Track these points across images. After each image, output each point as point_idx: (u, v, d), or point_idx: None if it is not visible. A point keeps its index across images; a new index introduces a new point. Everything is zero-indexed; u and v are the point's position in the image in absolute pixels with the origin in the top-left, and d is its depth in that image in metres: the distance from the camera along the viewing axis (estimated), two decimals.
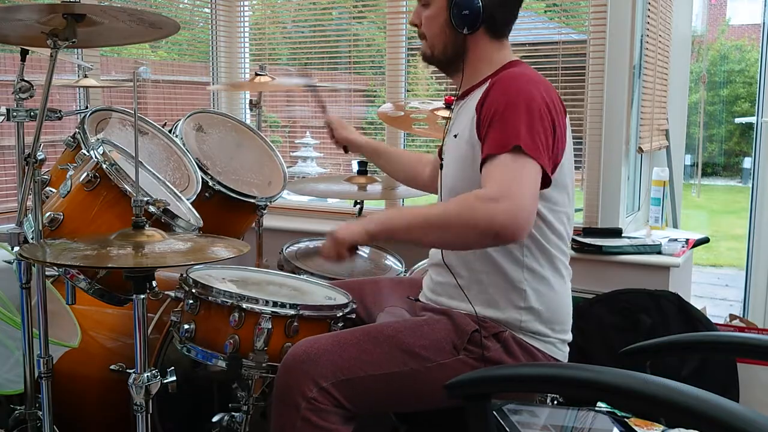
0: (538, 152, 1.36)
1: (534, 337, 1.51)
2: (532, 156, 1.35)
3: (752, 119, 3.29)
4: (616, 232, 2.59)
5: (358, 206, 2.54)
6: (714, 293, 5.52)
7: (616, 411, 1.39)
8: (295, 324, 1.57)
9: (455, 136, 1.56)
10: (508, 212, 1.27)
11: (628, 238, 2.57)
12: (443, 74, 1.72)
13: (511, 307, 1.49)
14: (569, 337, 1.57)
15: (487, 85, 1.50)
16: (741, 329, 2.52)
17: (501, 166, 1.34)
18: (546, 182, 1.40)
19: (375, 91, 3.48)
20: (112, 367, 1.52)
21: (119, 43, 1.81)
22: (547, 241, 1.49)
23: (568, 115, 1.51)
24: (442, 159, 1.62)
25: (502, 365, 1.46)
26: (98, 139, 1.81)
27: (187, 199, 1.93)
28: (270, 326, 1.54)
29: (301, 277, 1.96)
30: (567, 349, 1.58)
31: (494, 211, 1.28)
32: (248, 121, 2.88)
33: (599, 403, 1.43)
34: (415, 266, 2.24)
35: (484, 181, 1.36)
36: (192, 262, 1.46)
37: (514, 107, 1.38)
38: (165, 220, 1.65)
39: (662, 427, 1.35)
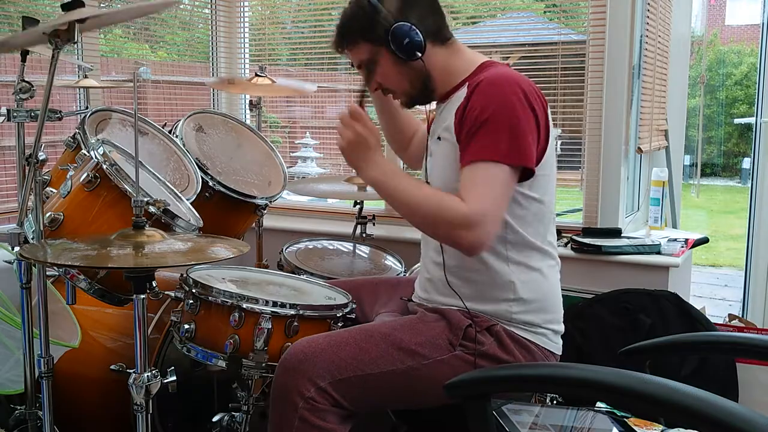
0: (516, 155, 1.40)
1: (526, 329, 1.52)
2: (507, 162, 1.39)
3: (751, 120, 3.30)
4: (616, 232, 2.59)
5: (358, 206, 2.54)
6: (713, 293, 5.52)
7: (616, 411, 1.39)
8: (295, 324, 1.57)
9: (439, 138, 1.57)
10: (473, 241, 1.39)
11: (628, 238, 2.57)
12: None
13: (501, 300, 1.51)
14: (561, 328, 1.59)
15: (465, 88, 1.51)
16: (740, 329, 2.52)
17: (474, 179, 1.41)
18: (528, 175, 1.45)
19: None
20: (112, 367, 1.52)
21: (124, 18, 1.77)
22: (527, 232, 1.51)
23: (548, 106, 1.53)
24: (426, 158, 1.63)
25: (501, 365, 1.47)
26: (98, 140, 1.81)
27: (187, 199, 1.93)
28: (270, 326, 1.55)
29: (301, 277, 1.97)
30: (560, 341, 1.59)
31: (461, 237, 1.40)
32: (248, 122, 2.88)
33: (599, 403, 1.44)
34: (415, 266, 2.24)
35: (460, 190, 1.41)
36: (192, 262, 1.46)
37: (495, 114, 1.41)
38: (165, 220, 1.66)
39: (662, 427, 1.35)
